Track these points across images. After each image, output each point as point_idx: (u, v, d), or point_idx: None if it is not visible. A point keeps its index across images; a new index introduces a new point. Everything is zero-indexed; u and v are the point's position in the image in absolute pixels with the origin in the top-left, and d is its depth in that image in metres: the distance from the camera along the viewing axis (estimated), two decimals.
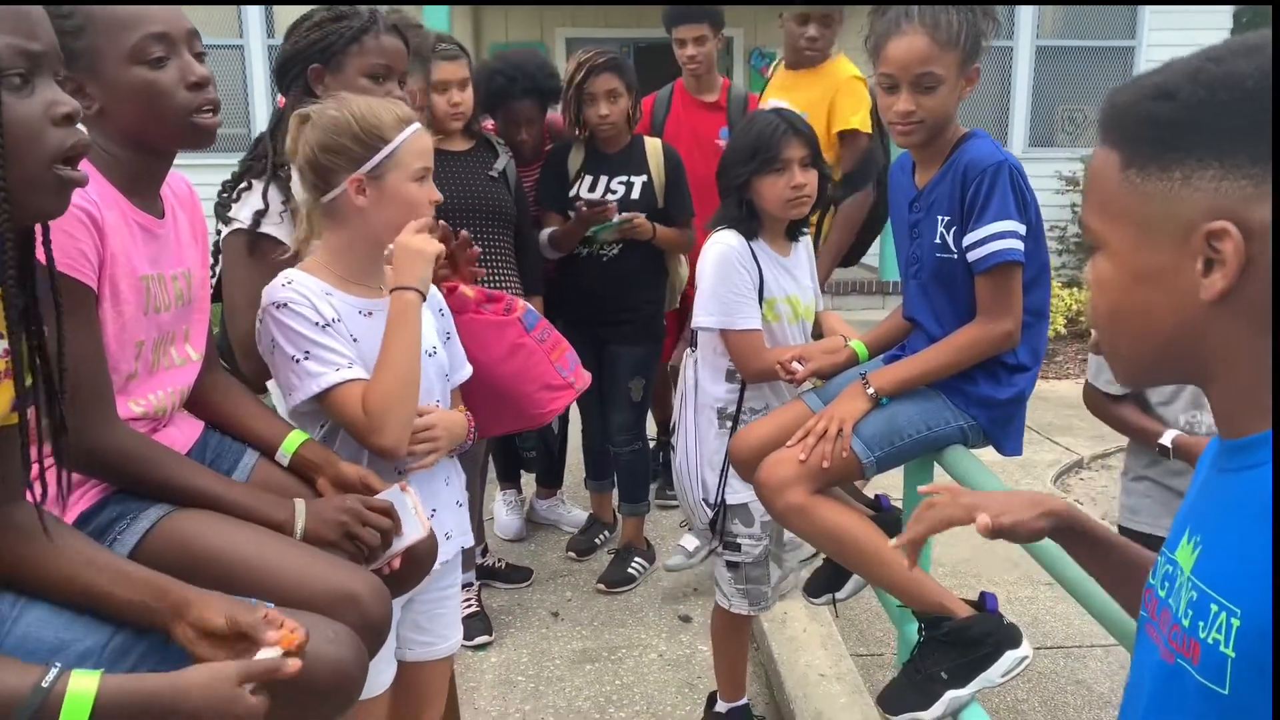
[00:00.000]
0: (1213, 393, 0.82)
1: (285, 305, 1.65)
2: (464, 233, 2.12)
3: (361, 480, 1.63)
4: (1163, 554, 0.88)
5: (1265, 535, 0.72)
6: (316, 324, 1.65)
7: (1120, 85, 0.83)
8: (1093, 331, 0.94)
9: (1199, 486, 0.88)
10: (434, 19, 6.94)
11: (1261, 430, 0.76)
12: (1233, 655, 0.73)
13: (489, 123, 3.35)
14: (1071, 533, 1.20)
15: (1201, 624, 0.76)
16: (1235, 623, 0.73)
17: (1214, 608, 0.75)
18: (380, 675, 1.77)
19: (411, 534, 1.62)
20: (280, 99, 2.13)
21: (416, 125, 1.70)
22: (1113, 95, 0.82)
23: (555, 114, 3.43)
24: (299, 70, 1.99)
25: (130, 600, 1.19)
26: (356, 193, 1.68)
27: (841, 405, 1.95)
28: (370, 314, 1.71)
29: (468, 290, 2.01)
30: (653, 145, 3.32)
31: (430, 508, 1.80)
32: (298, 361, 1.65)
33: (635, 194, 3.24)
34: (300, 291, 1.67)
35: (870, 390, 1.94)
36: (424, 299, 1.69)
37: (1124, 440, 5.20)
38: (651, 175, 3.27)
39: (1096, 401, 2.43)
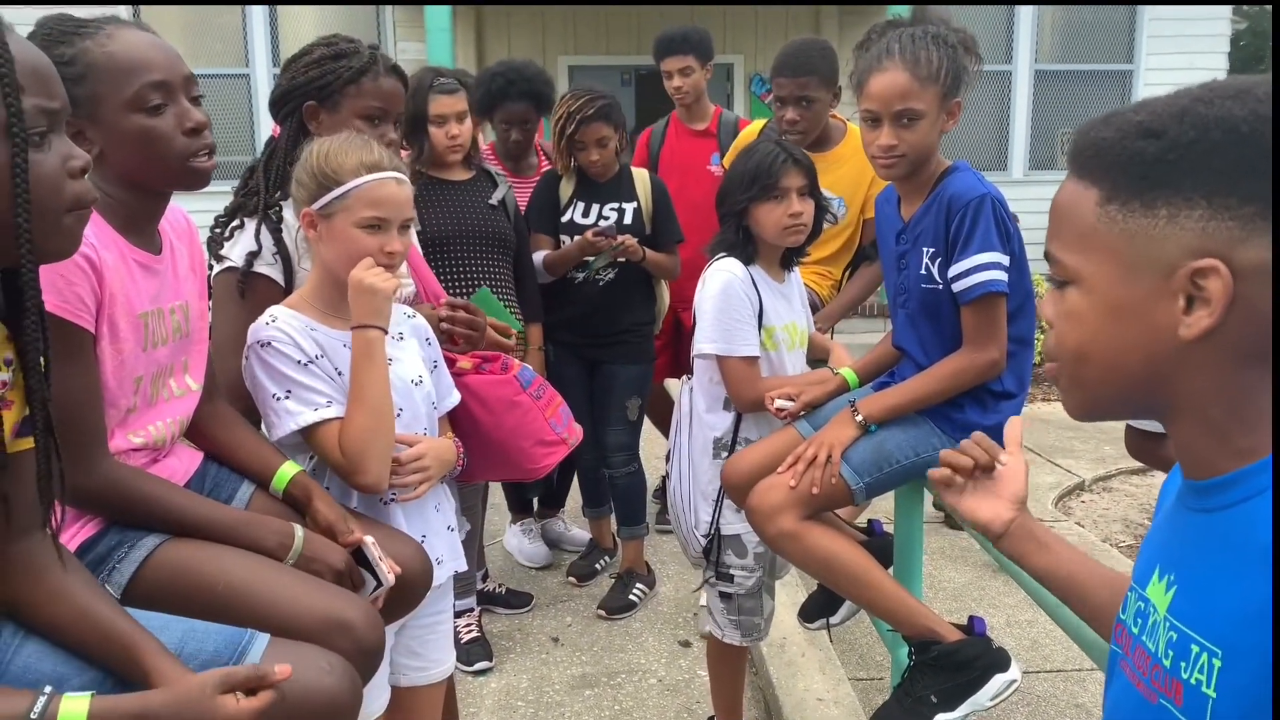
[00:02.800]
0: (1178, 430, 0.82)
1: (269, 344, 1.69)
2: (461, 312, 2.18)
3: (330, 528, 1.65)
4: (1133, 589, 0.89)
5: (1246, 575, 0.72)
6: (299, 362, 1.69)
7: (1094, 121, 0.82)
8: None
9: (1165, 523, 0.88)
10: (436, 27, 7.05)
11: (1234, 469, 0.77)
12: (1214, 696, 0.73)
13: (486, 146, 3.44)
14: (1031, 540, 1.18)
15: (1183, 664, 0.77)
16: (1216, 663, 0.73)
17: (1195, 648, 0.76)
18: (374, 701, 1.78)
19: (384, 583, 1.64)
20: (275, 128, 2.14)
21: (383, 175, 1.69)
22: (1090, 131, 0.82)
23: (549, 143, 3.50)
24: (294, 106, 2.00)
25: (109, 665, 1.22)
26: (308, 226, 1.74)
27: (830, 432, 1.98)
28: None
29: (465, 363, 2.05)
30: (640, 175, 3.41)
31: (420, 533, 1.83)
32: (278, 399, 1.69)
33: (627, 219, 3.32)
34: (283, 329, 1.70)
35: (859, 418, 1.97)
36: (385, 334, 1.70)
37: (1125, 463, 5.20)
38: (641, 203, 3.35)
39: (1138, 444, 2.36)
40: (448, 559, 1.90)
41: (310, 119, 1.99)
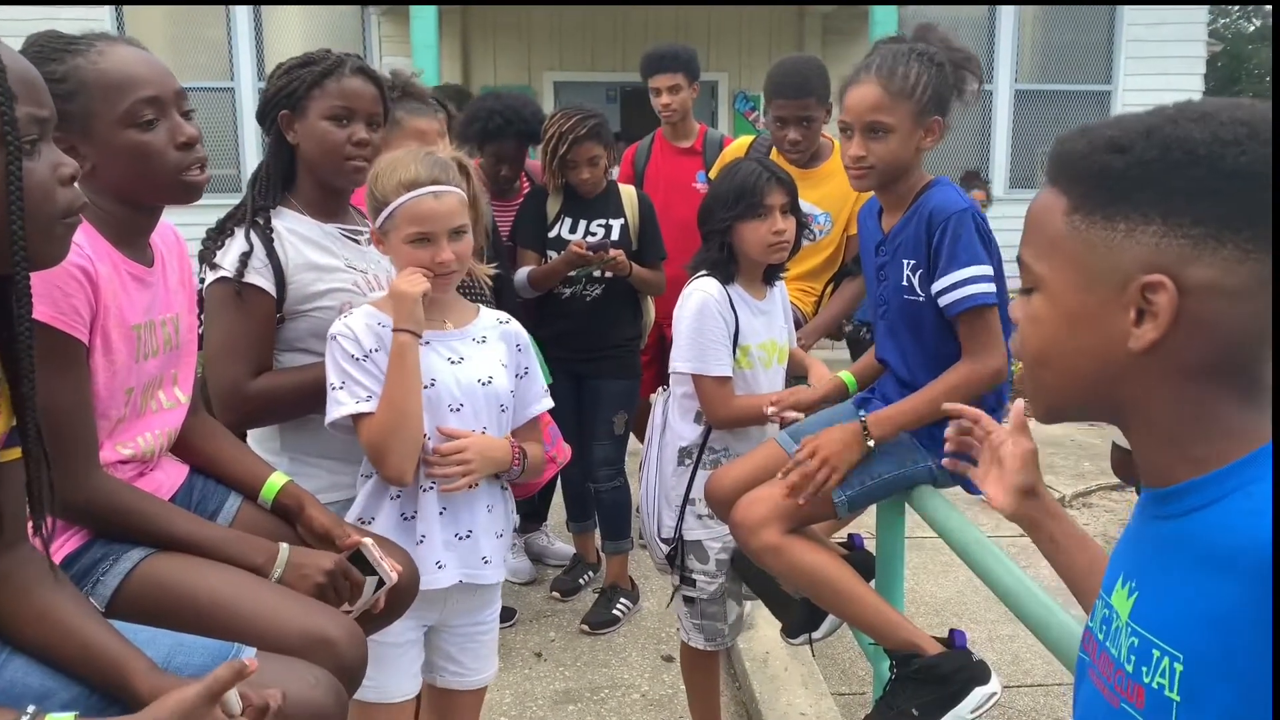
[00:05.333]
0: (1136, 439, 0.85)
1: (335, 337, 1.79)
2: None
3: (326, 533, 1.67)
4: (1100, 598, 0.91)
5: (1204, 580, 0.75)
6: (354, 357, 1.77)
7: (1071, 132, 0.85)
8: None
9: (1130, 531, 0.90)
10: (422, 43, 7.07)
11: (1187, 478, 0.79)
12: (1177, 699, 0.75)
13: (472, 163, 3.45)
14: (1043, 523, 1.24)
15: (1145, 669, 0.79)
16: (1178, 667, 0.75)
17: (1156, 653, 0.78)
18: (405, 684, 1.87)
19: (387, 582, 1.66)
20: None
21: (420, 192, 1.76)
22: (1064, 142, 0.84)
23: (536, 161, 3.53)
24: (272, 117, 2.01)
25: (97, 683, 1.22)
26: (376, 243, 1.86)
27: (837, 451, 1.94)
28: (427, 343, 1.81)
29: None
30: (627, 191, 3.44)
31: (466, 528, 1.86)
32: (333, 389, 1.78)
33: (614, 235, 3.34)
34: (351, 324, 1.80)
35: (870, 442, 1.94)
36: (417, 337, 1.76)
37: (1105, 479, 5.24)
38: (628, 219, 3.38)
39: (1122, 461, 2.37)
40: (495, 562, 1.91)
41: (286, 129, 1.99)
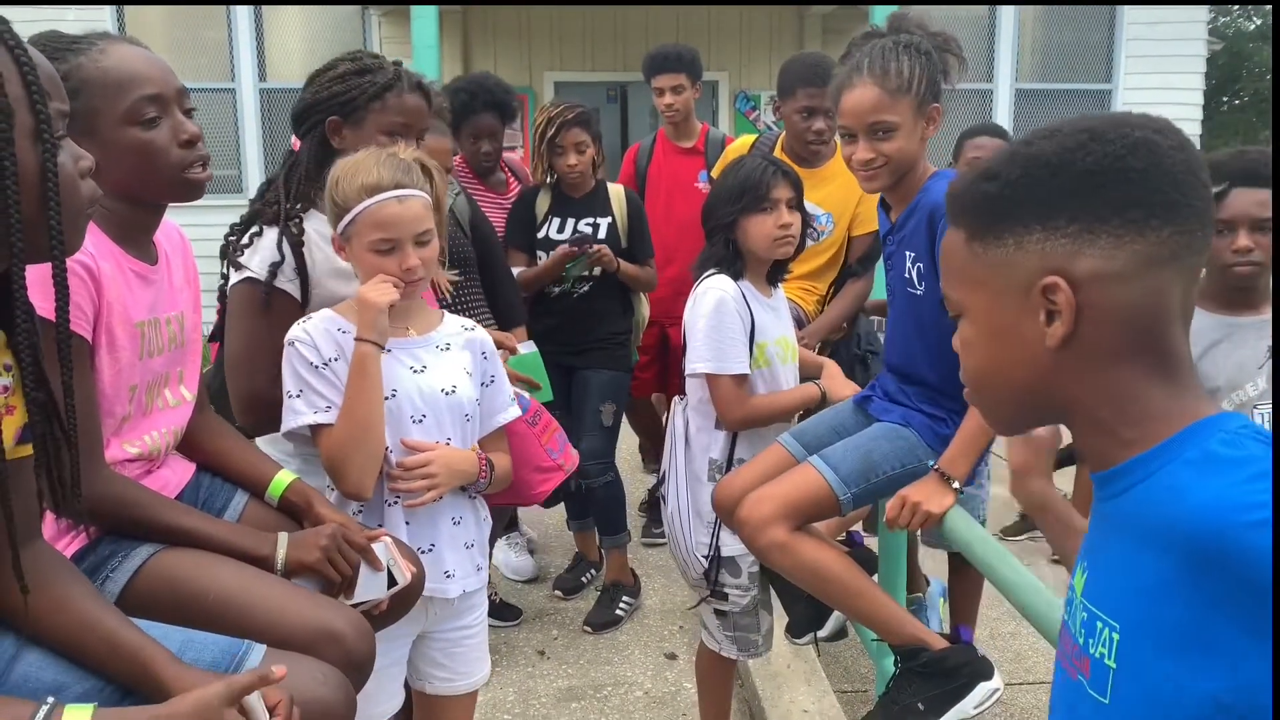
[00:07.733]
0: (1076, 432, 0.90)
1: (293, 343, 1.74)
2: None
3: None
4: (1070, 585, 0.96)
5: (1137, 553, 0.81)
6: (313, 364, 1.73)
7: (958, 176, 0.94)
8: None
9: (1091, 518, 0.95)
10: (422, 44, 7.07)
11: (1124, 459, 0.85)
12: (1114, 666, 0.82)
13: (457, 159, 3.46)
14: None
15: (1091, 641, 0.85)
16: (1115, 636, 0.82)
17: (1099, 625, 0.84)
18: (386, 703, 1.83)
19: (400, 581, 1.65)
20: (295, 142, 2.11)
21: (383, 197, 1.70)
22: (952, 185, 0.93)
23: (515, 156, 3.54)
24: (318, 120, 1.99)
25: (117, 674, 1.22)
26: (337, 249, 1.80)
27: (929, 498, 1.88)
28: (389, 351, 1.76)
29: None
30: (615, 190, 3.46)
31: (429, 542, 1.82)
32: (290, 397, 1.74)
33: (601, 234, 3.38)
34: (309, 330, 1.75)
35: (955, 485, 1.89)
36: (381, 348, 1.71)
37: None
38: (616, 217, 3.40)
39: None
40: (459, 575, 1.87)
41: (333, 134, 1.98)
